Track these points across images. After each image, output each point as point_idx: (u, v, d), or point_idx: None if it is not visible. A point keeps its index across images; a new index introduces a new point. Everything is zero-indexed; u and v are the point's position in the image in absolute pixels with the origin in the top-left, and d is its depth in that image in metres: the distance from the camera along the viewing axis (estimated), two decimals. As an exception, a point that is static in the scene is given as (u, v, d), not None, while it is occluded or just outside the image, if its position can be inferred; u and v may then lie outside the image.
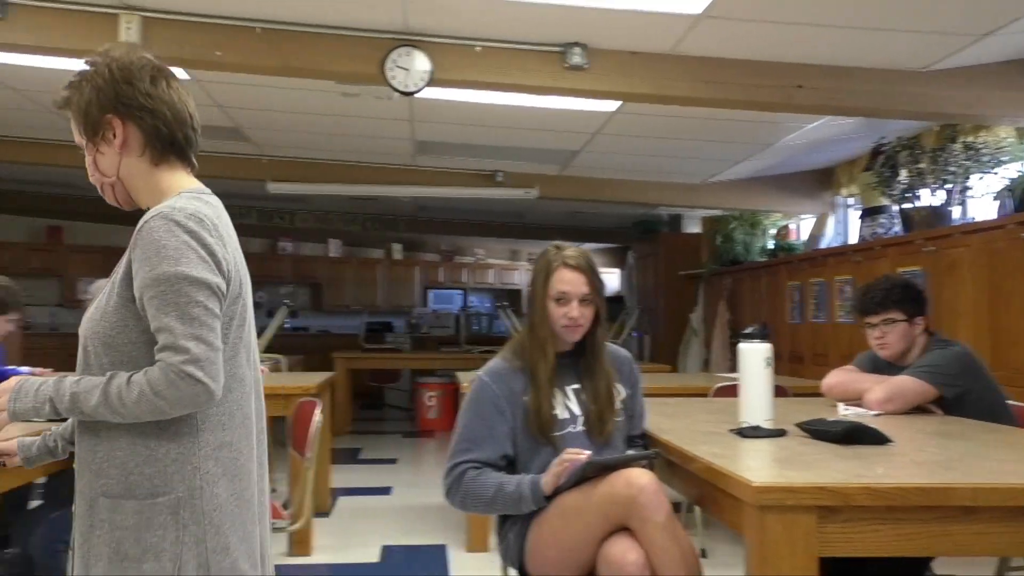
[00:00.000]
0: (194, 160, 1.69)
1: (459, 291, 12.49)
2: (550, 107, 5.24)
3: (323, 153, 7.06)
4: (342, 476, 5.97)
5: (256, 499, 1.63)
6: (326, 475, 5.03)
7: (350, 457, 7.08)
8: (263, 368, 6.02)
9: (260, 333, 6.68)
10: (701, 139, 6.12)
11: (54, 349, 8.28)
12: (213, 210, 1.60)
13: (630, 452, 2.32)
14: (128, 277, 1.52)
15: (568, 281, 2.31)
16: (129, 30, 3.71)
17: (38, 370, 3.16)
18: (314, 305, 11.70)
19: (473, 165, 7.31)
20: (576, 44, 4.12)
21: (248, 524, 1.59)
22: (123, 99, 1.60)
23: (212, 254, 1.52)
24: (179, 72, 4.64)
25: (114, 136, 1.61)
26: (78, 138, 1.66)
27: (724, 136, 6.00)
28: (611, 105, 5.20)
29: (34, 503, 3.67)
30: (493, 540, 4.14)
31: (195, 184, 1.66)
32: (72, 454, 1.66)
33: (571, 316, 2.30)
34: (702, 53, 4.26)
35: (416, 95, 4.19)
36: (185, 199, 1.56)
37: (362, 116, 5.68)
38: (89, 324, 1.57)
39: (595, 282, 2.35)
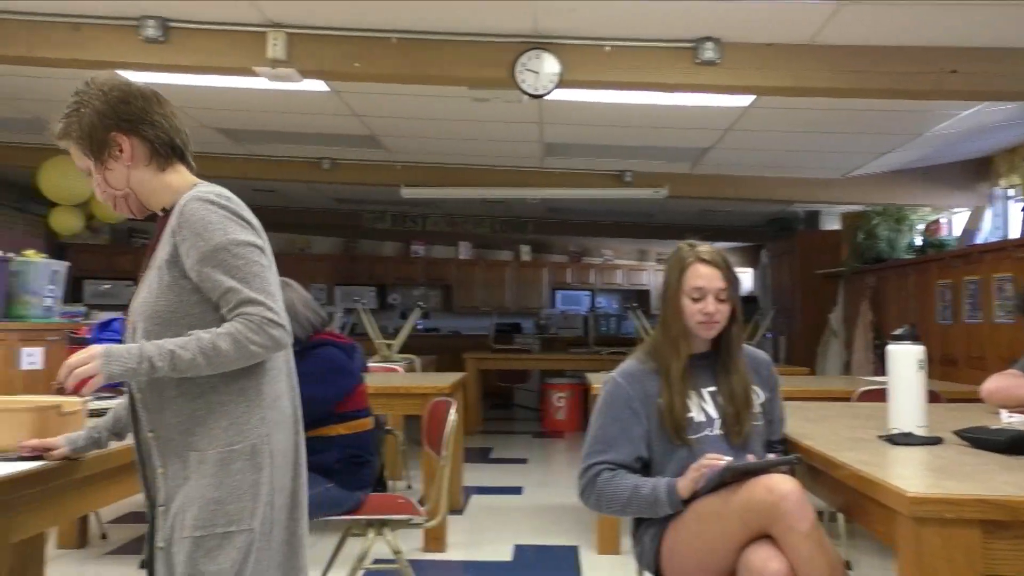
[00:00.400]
0: (185, 157, 1.84)
1: (587, 292, 12.45)
2: (680, 104, 5.14)
3: (454, 157, 7.21)
4: (474, 475, 6.08)
5: (300, 444, 1.84)
6: (459, 473, 5.13)
7: (481, 456, 7.20)
8: (398, 368, 6.21)
9: (394, 334, 6.93)
10: (842, 132, 5.85)
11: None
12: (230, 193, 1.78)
13: (770, 457, 2.24)
14: (173, 259, 1.70)
15: (703, 276, 2.26)
16: (276, 46, 3.92)
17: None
18: (445, 306, 11.96)
19: (601, 166, 7.27)
20: (708, 39, 4.03)
21: (295, 467, 1.80)
22: (124, 116, 1.75)
23: (248, 222, 1.73)
24: (319, 84, 4.87)
25: (121, 151, 1.76)
26: (82, 163, 1.80)
27: (867, 128, 5.71)
28: (745, 100, 5.06)
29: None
30: (625, 543, 4.11)
31: (200, 182, 1.82)
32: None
33: (707, 312, 2.25)
34: (844, 41, 4.07)
35: (545, 97, 4.21)
36: (207, 186, 1.76)
37: (492, 120, 5.76)
38: (145, 307, 1.73)
39: (731, 278, 2.29)
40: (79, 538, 4.20)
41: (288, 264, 10.77)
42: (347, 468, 3.07)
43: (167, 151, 1.79)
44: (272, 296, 1.70)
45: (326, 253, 11.66)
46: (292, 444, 1.80)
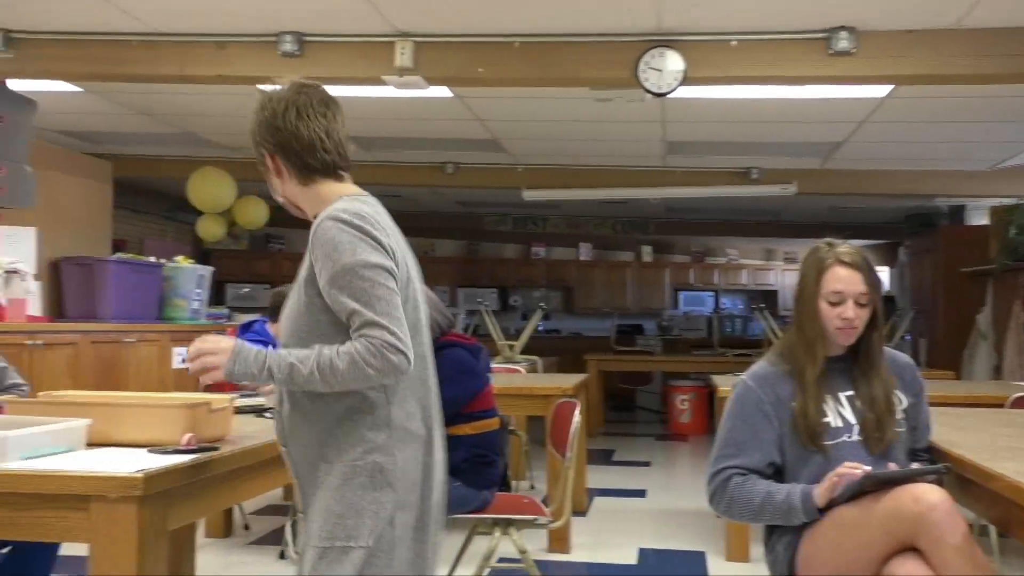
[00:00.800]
0: (341, 172, 1.86)
1: (710, 293, 12.19)
2: (811, 97, 4.96)
3: (575, 159, 7.21)
4: (597, 477, 6.05)
5: (432, 464, 1.80)
6: (583, 475, 5.13)
7: (604, 458, 7.16)
8: (520, 369, 6.30)
9: (516, 336, 7.00)
10: (990, 120, 5.48)
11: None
12: (372, 208, 1.79)
13: (915, 466, 2.13)
14: (310, 277, 1.73)
15: (843, 279, 2.16)
16: (403, 55, 4.03)
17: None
18: (566, 308, 11.97)
19: (726, 163, 7.10)
20: (842, 28, 3.86)
21: (424, 487, 1.78)
22: (268, 136, 1.83)
23: (379, 243, 1.72)
24: (443, 90, 4.98)
25: (267, 166, 1.86)
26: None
27: (1019, 115, 5.33)
28: (881, 90, 4.82)
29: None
30: (754, 550, 3.99)
31: (352, 189, 1.86)
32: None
33: (846, 317, 2.15)
34: (992, 24, 3.81)
35: (668, 95, 4.15)
36: (345, 202, 1.77)
37: (613, 120, 5.73)
38: (287, 322, 1.80)
39: (873, 281, 2.18)
40: (224, 528, 4.44)
41: (413, 267, 11.07)
42: (473, 467, 3.11)
43: (303, 170, 1.83)
44: (396, 320, 1.67)
45: (449, 256, 11.90)
46: (420, 464, 1.78)
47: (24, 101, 4.79)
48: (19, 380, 2.64)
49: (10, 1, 3.90)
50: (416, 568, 1.78)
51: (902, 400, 2.23)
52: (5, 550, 2.31)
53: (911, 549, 1.89)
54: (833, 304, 2.16)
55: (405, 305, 1.74)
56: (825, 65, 3.93)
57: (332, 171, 1.85)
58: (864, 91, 4.83)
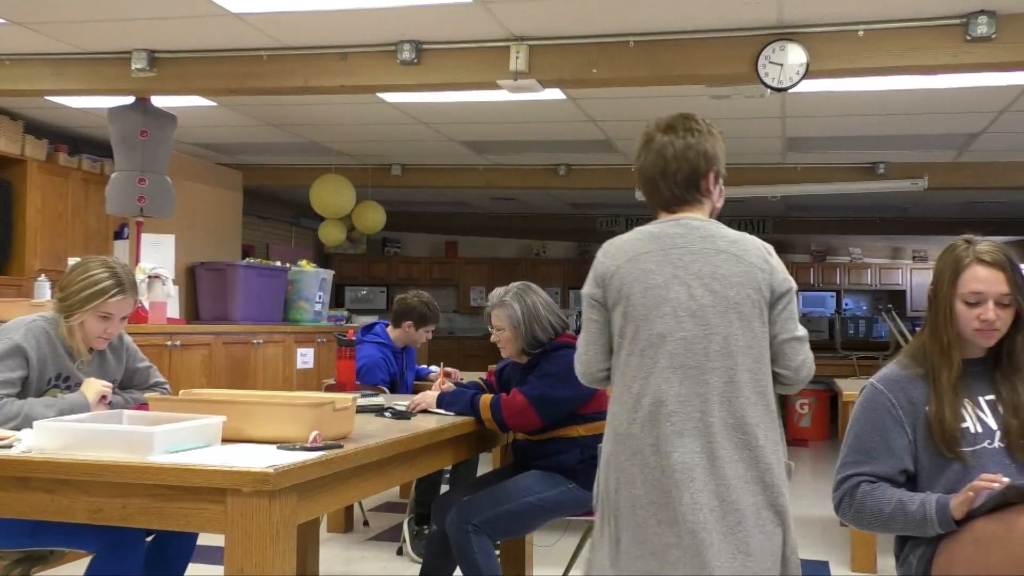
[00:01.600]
0: (669, 204, 2.05)
1: (831, 293, 11.73)
2: (943, 87, 4.70)
3: (689, 158, 7.07)
4: (714, 482, 5.92)
5: (623, 466, 1.94)
6: (699, 479, 5.01)
7: (721, 463, 6.99)
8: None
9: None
10: None
11: (452, 350, 9.36)
12: (635, 236, 2.00)
13: (1067, 479, 1.98)
14: None
15: (983, 280, 2.03)
16: (518, 59, 4.07)
17: (444, 368, 3.64)
18: (680, 309, 11.76)
19: (850, 158, 6.82)
20: (981, 12, 3.63)
21: (613, 481, 1.95)
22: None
23: (594, 275, 2.00)
24: (556, 92, 4.99)
25: None
26: None
27: None
28: (1023, 77, 4.51)
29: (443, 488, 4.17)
30: (882, 562, 3.82)
31: (660, 218, 2.05)
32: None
33: (986, 319, 2.02)
34: None
35: (790, 90, 4.01)
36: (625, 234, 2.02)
37: (730, 117, 5.59)
38: None
39: (1017, 280, 2.04)
40: (345, 524, 4.59)
41: (523, 268, 11.12)
42: (588, 469, 3.09)
43: (651, 204, 2.08)
44: (581, 339, 2.06)
45: (560, 257, 11.91)
46: (615, 459, 1.95)
47: (166, 116, 5.10)
48: (161, 379, 2.81)
49: (153, 24, 4.17)
50: (616, 552, 1.92)
51: (1051, 407, 2.08)
52: (149, 538, 2.45)
53: (1063, 569, 1.77)
54: (971, 305, 2.04)
55: (622, 334, 1.96)
56: (962, 52, 3.71)
57: (666, 207, 2.06)
58: (1004, 78, 4.53)
